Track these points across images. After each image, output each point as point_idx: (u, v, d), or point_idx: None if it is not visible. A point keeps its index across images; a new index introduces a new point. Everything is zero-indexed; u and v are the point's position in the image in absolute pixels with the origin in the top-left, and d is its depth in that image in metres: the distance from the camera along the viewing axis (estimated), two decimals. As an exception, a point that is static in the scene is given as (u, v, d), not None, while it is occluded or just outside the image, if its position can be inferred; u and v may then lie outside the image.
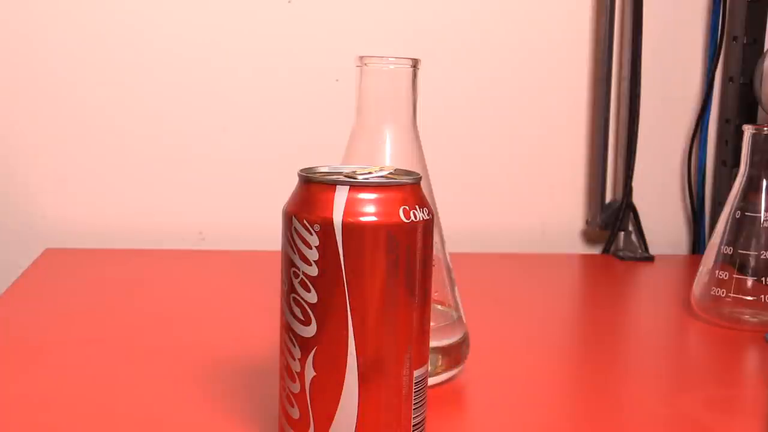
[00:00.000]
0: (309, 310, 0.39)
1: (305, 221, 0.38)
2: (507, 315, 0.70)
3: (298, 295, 0.39)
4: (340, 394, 0.39)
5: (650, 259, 0.94)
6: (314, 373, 0.39)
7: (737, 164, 0.72)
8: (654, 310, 0.76)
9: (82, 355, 0.56)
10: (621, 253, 0.94)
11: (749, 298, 0.67)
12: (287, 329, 0.40)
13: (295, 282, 0.39)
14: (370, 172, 0.41)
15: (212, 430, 0.46)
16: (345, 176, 0.40)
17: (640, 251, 0.96)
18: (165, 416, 0.47)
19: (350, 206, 0.38)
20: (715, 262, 0.69)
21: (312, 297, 0.38)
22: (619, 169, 0.98)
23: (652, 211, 0.99)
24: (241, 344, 0.59)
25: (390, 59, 0.51)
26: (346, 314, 0.38)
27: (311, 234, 0.38)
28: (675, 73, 1.00)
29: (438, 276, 0.53)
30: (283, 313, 0.40)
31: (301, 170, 0.41)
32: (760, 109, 0.93)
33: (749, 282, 0.67)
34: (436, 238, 0.53)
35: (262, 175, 0.91)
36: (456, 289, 0.54)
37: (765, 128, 0.67)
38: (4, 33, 0.87)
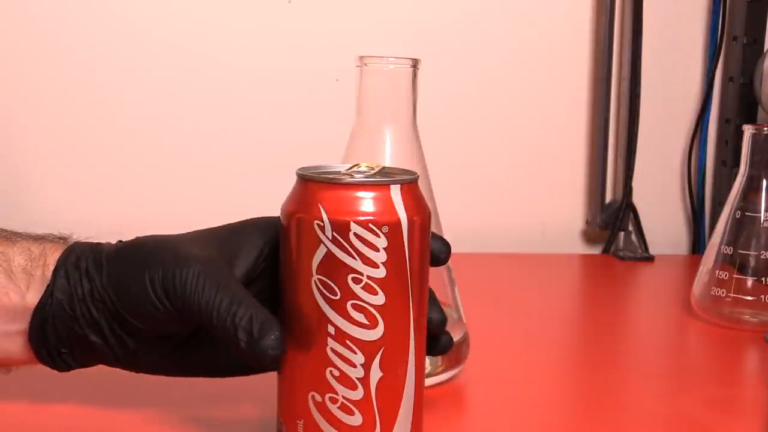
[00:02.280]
0: (375, 313, 0.38)
1: (371, 224, 0.38)
2: (507, 315, 0.70)
3: (361, 299, 0.38)
4: (403, 391, 0.40)
5: (650, 259, 0.94)
6: (381, 375, 0.39)
7: (737, 164, 0.72)
8: (654, 310, 0.76)
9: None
10: (621, 253, 0.94)
11: (749, 298, 0.67)
12: (343, 337, 0.39)
13: (356, 287, 0.38)
14: (372, 168, 0.41)
15: (212, 429, 0.46)
16: (379, 174, 0.40)
17: (640, 251, 0.96)
18: (165, 416, 0.47)
19: (407, 205, 0.39)
20: (715, 262, 0.69)
21: (379, 299, 0.38)
22: (619, 169, 0.98)
23: (652, 211, 0.99)
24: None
25: (390, 59, 0.51)
26: (409, 311, 0.39)
27: (379, 236, 0.38)
28: (675, 73, 0.99)
29: (438, 276, 0.53)
30: (327, 323, 0.39)
31: (331, 174, 0.40)
32: (760, 109, 0.93)
33: (749, 282, 0.67)
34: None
35: (262, 175, 0.91)
36: (456, 289, 0.54)
37: (765, 128, 0.67)
38: (4, 32, 0.87)
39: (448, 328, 0.44)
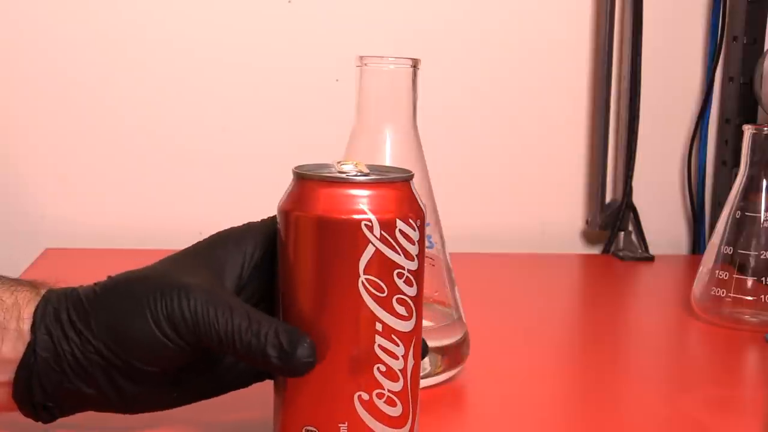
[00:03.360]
0: (411, 304, 0.40)
1: (409, 219, 0.39)
2: (507, 315, 0.70)
3: (403, 293, 0.39)
4: (420, 376, 0.42)
5: (650, 259, 0.94)
6: (413, 363, 0.40)
7: (737, 164, 0.72)
8: (654, 310, 0.76)
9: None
10: (621, 253, 0.94)
11: (749, 298, 0.67)
12: (389, 332, 0.39)
13: (400, 282, 0.39)
14: (357, 165, 0.41)
15: (212, 429, 0.46)
16: (380, 172, 0.41)
17: (640, 251, 0.96)
18: (165, 416, 0.47)
19: (419, 198, 0.41)
20: (715, 262, 0.69)
21: (413, 291, 0.40)
22: (619, 169, 0.98)
23: (652, 211, 0.99)
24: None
25: (390, 59, 0.51)
26: (422, 298, 0.41)
27: (414, 230, 0.40)
28: (675, 73, 0.99)
29: (438, 276, 0.53)
30: (376, 321, 0.39)
31: (360, 174, 0.40)
32: (760, 109, 0.93)
33: (749, 282, 0.67)
34: (436, 238, 0.53)
35: (262, 175, 0.91)
36: (456, 289, 0.54)
37: (765, 128, 0.67)
38: (4, 31, 0.87)
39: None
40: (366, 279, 0.39)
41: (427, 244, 0.52)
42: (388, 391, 0.40)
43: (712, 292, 0.68)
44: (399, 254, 0.39)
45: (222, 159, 0.92)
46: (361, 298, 0.39)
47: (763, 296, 0.67)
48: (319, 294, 0.39)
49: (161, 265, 0.42)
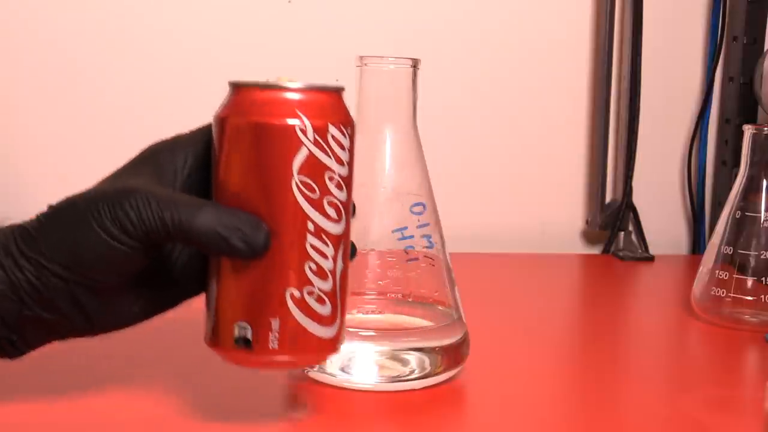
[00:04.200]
0: (341, 208, 0.42)
1: (341, 126, 0.42)
2: (507, 315, 0.70)
3: (333, 196, 0.42)
4: (348, 278, 0.43)
5: (650, 259, 0.94)
6: (342, 266, 0.43)
7: (737, 164, 0.72)
8: (654, 310, 0.76)
9: (82, 354, 0.56)
10: (621, 253, 0.94)
11: (749, 298, 0.67)
12: (319, 232, 0.42)
13: (331, 185, 0.42)
14: (292, 80, 0.43)
15: (211, 430, 0.46)
16: (323, 84, 0.42)
17: (640, 251, 0.96)
18: (164, 416, 0.47)
19: (349, 111, 0.43)
20: (715, 262, 0.69)
21: (343, 195, 0.42)
22: (619, 169, 0.98)
23: (652, 211, 0.99)
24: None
25: (390, 59, 0.51)
26: (351, 205, 0.43)
27: (345, 136, 0.42)
28: (675, 73, 0.99)
29: (438, 276, 0.53)
30: (307, 220, 0.41)
31: (292, 82, 0.42)
32: (760, 109, 0.93)
33: (749, 282, 0.67)
34: (436, 238, 0.53)
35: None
36: (456, 289, 0.54)
37: (765, 128, 0.67)
38: (5, 31, 0.87)
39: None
40: (299, 180, 0.41)
41: (427, 244, 0.52)
42: (318, 289, 0.42)
43: (712, 292, 0.68)
44: (330, 158, 0.41)
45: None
46: (295, 198, 0.41)
47: (763, 296, 0.67)
48: (255, 196, 0.41)
49: (98, 184, 0.43)
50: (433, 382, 0.52)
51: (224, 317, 0.42)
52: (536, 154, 0.98)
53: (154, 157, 0.45)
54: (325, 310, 0.42)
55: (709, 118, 0.99)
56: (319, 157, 0.41)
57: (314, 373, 0.51)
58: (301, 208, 0.41)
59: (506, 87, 0.96)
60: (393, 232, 0.51)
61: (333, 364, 0.50)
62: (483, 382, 0.54)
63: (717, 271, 0.68)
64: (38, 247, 0.41)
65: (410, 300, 0.53)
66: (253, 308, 0.41)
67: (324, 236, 0.42)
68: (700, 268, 0.70)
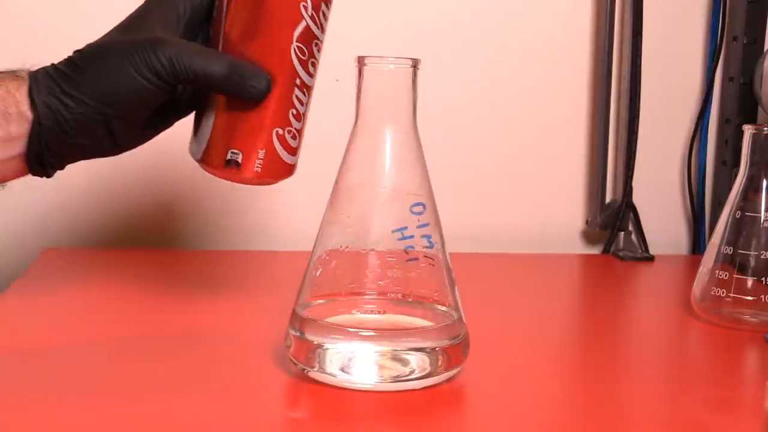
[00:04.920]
0: (317, 65, 0.55)
1: (329, 4, 0.53)
2: (507, 315, 0.70)
3: (315, 58, 0.54)
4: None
5: (650, 259, 0.94)
6: (306, 109, 0.55)
7: (737, 164, 0.72)
8: (654, 310, 0.76)
9: (82, 355, 0.56)
10: (621, 253, 0.94)
11: (749, 298, 0.67)
12: (303, 86, 0.54)
13: (315, 50, 0.54)
14: None
15: (211, 430, 0.46)
16: None
17: (640, 251, 0.96)
18: (164, 416, 0.47)
19: None
20: (715, 262, 0.69)
21: (320, 56, 0.55)
22: (619, 169, 0.98)
23: (652, 211, 0.99)
24: (241, 344, 0.59)
25: (390, 59, 0.51)
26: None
27: (329, 10, 0.54)
28: (675, 73, 0.99)
29: (438, 276, 0.53)
30: (297, 77, 0.53)
31: None
32: (760, 109, 0.93)
33: (749, 282, 0.67)
34: (436, 238, 0.53)
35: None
36: (456, 289, 0.54)
37: (765, 128, 0.67)
38: (5, 31, 0.87)
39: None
40: (297, 46, 0.52)
41: (427, 244, 0.52)
42: (294, 129, 0.54)
43: (712, 292, 0.68)
44: (319, 30, 0.53)
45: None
46: (292, 59, 0.53)
47: (763, 296, 0.67)
48: (259, 53, 0.52)
49: (120, 30, 0.53)
50: (433, 382, 0.52)
51: (218, 143, 0.53)
52: (536, 155, 0.98)
53: (161, 7, 0.53)
54: (295, 143, 0.55)
55: (709, 118, 0.99)
56: (313, 29, 0.53)
57: (314, 373, 0.51)
58: (295, 68, 0.53)
59: (506, 87, 0.96)
60: (393, 232, 0.51)
61: (333, 364, 0.50)
62: (483, 382, 0.54)
63: (717, 271, 0.68)
64: (79, 87, 0.50)
65: (410, 300, 0.53)
66: (245, 140, 0.53)
67: (305, 89, 0.54)
68: (700, 268, 0.70)
